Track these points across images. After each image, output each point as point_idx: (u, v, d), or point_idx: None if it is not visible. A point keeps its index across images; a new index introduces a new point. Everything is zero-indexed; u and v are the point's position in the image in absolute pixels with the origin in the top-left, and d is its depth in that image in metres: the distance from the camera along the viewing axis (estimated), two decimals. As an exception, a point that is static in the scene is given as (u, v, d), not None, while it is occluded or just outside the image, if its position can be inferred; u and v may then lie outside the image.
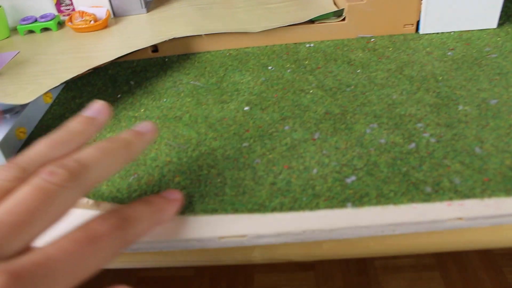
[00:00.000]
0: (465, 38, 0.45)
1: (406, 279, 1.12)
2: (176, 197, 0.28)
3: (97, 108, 0.27)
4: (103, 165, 0.24)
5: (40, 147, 0.24)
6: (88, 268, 0.21)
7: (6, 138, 0.35)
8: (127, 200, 0.30)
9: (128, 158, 0.26)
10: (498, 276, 1.10)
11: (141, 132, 0.27)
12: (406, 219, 0.26)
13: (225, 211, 0.28)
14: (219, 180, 0.30)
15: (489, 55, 0.42)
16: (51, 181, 0.22)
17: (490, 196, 0.27)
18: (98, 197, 0.30)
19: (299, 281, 1.13)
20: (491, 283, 1.09)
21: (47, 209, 0.21)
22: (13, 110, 0.38)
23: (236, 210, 0.28)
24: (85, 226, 0.22)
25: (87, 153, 0.24)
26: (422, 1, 0.45)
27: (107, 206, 0.30)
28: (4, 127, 0.36)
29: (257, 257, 0.28)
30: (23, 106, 0.39)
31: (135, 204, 0.25)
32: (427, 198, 0.27)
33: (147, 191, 0.30)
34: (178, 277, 1.17)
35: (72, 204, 0.23)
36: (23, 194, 0.21)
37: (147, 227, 0.25)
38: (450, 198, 0.27)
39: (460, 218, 0.26)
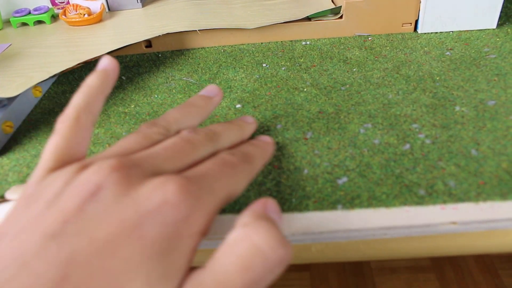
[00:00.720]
0: (464, 38, 0.44)
1: (402, 280, 1.11)
2: (268, 140, 0.30)
3: (212, 89, 0.31)
4: (229, 136, 0.28)
5: (174, 113, 0.28)
6: (233, 189, 0.24)
7: (-9, 132, 0.35)
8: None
9: (241, 135, 0.30)
10: (494, 279, 1.10)
11: (244, 121, 0.32)
12: (398, 223, 0.25)
13: (212, 211, 0.27)
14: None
15: (487, 55, 0.41)
16: (195, 137, 0.26)
17: (485, 200, 0.26)
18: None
19: (294, 281, 1.12)
20: (487, 285, 1.08)
21: (192, 155, 0.25)
22: (1, 103, 0.37)
23: (222, 211, 0.27)
24: (219, 157, 0.25)
25: (216, 127, 0.28)
26: (421, 0, 0.45)
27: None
28: (-10, 121, 0.35)
29: (245, 259, 0.28)
30: (11, 100, 0.38)
31: (246, 145, 0.28)
32: (420, 201, 0.26)
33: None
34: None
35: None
36: (173, 140, 0.25)
37: (261, 164, 0.28)
38: (444, 202, 0.26)
39: (453, 223, 0.25)
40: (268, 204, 0.23)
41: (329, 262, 1.16)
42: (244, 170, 0.25)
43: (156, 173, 0.22)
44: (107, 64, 0.29)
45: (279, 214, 0.23)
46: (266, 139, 0.30)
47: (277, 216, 0.23)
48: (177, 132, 0.27)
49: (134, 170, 0.22)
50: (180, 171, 0.23)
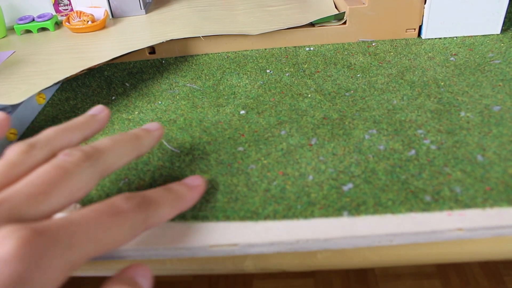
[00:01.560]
0: (468, 43, 0.44)
1: (407, 287, 1.11)
2: (198, 183, 0.28)
3: (98, 108, 0.30)
4: (116, 153, 0.25)
5: (49, 132, 0.26)
6: (107, 241, 0.21)
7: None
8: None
9: (138, 151, 0.27)
10: (499, 285, 1.09)
11: (149, 129, 0.29)
12: (405, 229, 0.25)
13: (216, 218, 0.27)
14: (211, 186, 0.29)
15: (492, 61, 0.41)
16: (68, 159, 0.23)
17: (492, 206, 0.26)
18: (87, 202, 0.29)
19: (298, 287, 1.12)
20: (492, 293, 1.07)
21: (65, 184, 0.22)
22: (5, 111, 0.37)
23: (227, 218, 0.27)
24: (108, 201, 0.22)
25: (101, 141, 0.26)
26: (425, 6, 0.44)
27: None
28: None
29: (250, 267, 0.27)
30: (14, 107, 0.38)
31: (157, 190, 0.26)
32: (426, 207, 0.26)
33: (138, 196, 0.29)
34: (177, 283, 1.16)
35: (88, 184, 0.24)
36: (42, 170, 0.22)
37: (168, 214, 0.25)
38: (451, 208, 0.26)
39: (460, 229, 0.25)
40: (139, 269, 0.22)
41: (335, 270, 1.15)
42: (135, 220, 0.23)
43: (12, 219, 0.20)
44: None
45: (149, 280, 0.23)
46: (193, 181, 0.28)
47: (146, 282, 0.22)
48: (53, 154, 0.25)
49: None
50: (45, 214, 0.21)
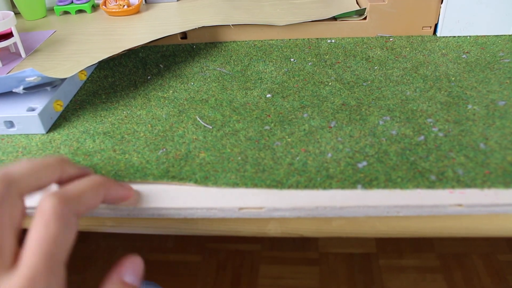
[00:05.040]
0: (481, 42, 0.47)
1: (410, 280, 1.13)
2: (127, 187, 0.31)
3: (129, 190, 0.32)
4: (88, 197, 0.27)
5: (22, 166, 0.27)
6: (93, 201, 0.27)
7: (45, 108, 0.38)
8: (155, 171, 0.33)
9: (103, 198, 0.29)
10: (502, 283, 1.11)
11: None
12: (411, 202, 0.29)
13: (245, 185, 0.31)
14: (240, 158, 0.33)
15: (502, 59, 0.44)
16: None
17: (489, 187, 0.29)
18: (129, 167, 0.33)
19: (304, 274, 1.15)
20: (494, 290, 1.10)
21: None
22: (52, 84, 0.41)
23: (255, 185, 0.30)
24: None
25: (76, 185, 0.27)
26: (441, 5, 0.48)
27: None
28: (44, 99, 0.39)
29: (272, 230, 0.31)
30: (62, 81, 0.42)
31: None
32: (431, 185, 0.30)
33: (174, 164, 0.33)
34: (186, 262, 1.19)
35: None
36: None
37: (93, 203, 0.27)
38: (453, 187, 0.29)
39: (460, 205, 0.28)
40: (126, 267, 0.27)
41: (343, 255, 1.18)
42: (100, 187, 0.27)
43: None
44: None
45: (138, 273, 0.27)
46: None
47: (134, 278, 0.27)
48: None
49: None
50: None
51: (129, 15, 0.57)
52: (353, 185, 0.30)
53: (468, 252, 1.18)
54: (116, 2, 0.57)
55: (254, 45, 0.50)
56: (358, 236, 0.31)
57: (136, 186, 0.32)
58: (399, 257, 1.18)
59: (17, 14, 0.61)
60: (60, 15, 0.60)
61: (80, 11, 0.61)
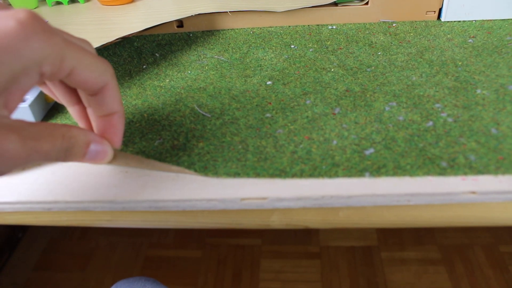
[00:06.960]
0: (487, 27, 0.46)
1: (411, 272, 1.12)
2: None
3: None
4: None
5: None
6: None
7: (36, 99, 0.37)
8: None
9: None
10: (504, 275, 1.10)
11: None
12: (422, 190, 0.27)
13: (247, 175, 0.29)
14: (241, 146, 0.32)
15: (510, 43, 0.42)
16: None
17: (504, 173, 0.28)
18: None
19: (305, 268, 1.14)
20: (496, 281, 1.09)
21: None
22: (44, 74, 0.39)
23: (257, 175, 0.29)
24: None
25: None
26: (446, -12, 0.46)
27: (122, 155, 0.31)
28: (34, 90, 0.38)
29: (275, 222, 0.30)
30: (53, 71, 0.40)
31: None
32: (442, 172, 0.28)
33: (172, 154, 0.32)
34: (186, 258, 1.18)
35: None
36: None
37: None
38: (465, 173, 0.28)
39: (473, 192, 0.27)
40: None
41: (345, 248, 1.17)
42: None
43: None
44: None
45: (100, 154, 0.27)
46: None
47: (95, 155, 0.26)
48: None
49: None
50: None
51: (123, 4, 0.55)
52: (360, 172, 0.29)
53: (470, 244, 1.17)
54: (109, -9, 0.55)
55: (252, 33, 0.49)
56: (366, 227, 0.29)
57: (130, 176, 0.30)
58: (401, 250, 1.17)
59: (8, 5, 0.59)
60: (52, 5, 0.58)
61: (72, 1, 0.59)
